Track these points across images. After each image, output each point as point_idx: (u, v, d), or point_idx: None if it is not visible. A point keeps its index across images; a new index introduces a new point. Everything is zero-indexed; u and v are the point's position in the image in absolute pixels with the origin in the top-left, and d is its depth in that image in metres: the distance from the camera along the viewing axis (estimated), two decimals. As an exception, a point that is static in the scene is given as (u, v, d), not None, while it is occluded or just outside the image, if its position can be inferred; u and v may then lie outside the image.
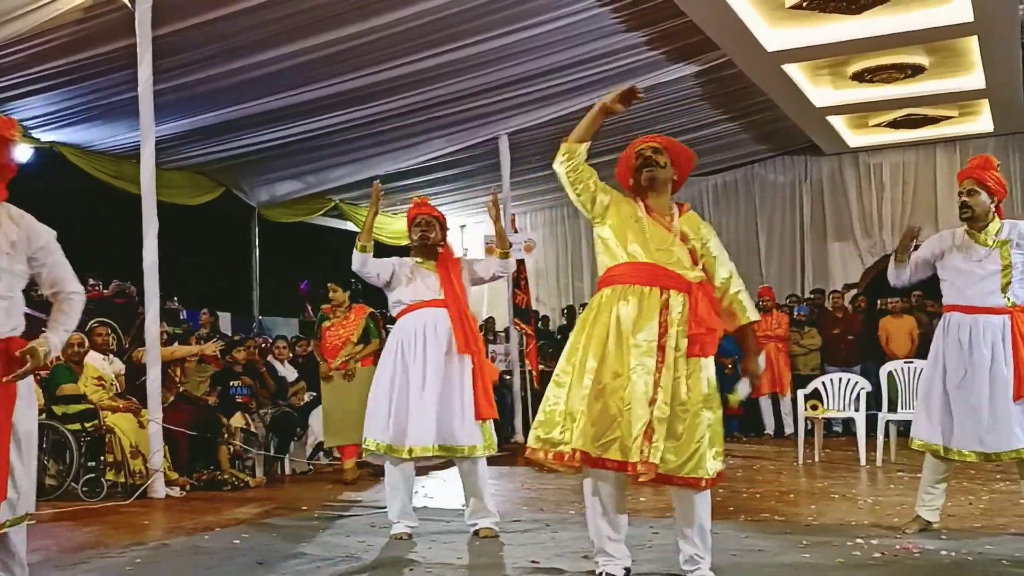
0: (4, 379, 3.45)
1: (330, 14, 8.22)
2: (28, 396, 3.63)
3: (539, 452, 3.99)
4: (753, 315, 4.23)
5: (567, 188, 4.10)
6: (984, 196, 5.21)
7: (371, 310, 8.95)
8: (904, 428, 9.24)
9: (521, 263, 12.22)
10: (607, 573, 4.02)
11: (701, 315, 3.96)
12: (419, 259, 5.70)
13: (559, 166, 4.10)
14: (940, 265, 5.35)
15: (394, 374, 5.46)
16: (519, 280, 12.15)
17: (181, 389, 8.62)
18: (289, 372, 10.18)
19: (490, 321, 14.85)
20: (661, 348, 3.88)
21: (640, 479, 3.82)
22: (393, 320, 5.79)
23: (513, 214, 13.11)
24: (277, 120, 10.40)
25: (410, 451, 5.36)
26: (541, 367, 12.66)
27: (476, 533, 5.46)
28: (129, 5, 7.48)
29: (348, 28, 8.44)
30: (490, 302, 15.99)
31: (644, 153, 4.16)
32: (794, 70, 11.30)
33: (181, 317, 12.54)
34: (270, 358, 10.18)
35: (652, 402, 3.81)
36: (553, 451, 3.93)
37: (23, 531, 3.68)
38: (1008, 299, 5.14)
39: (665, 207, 4.19)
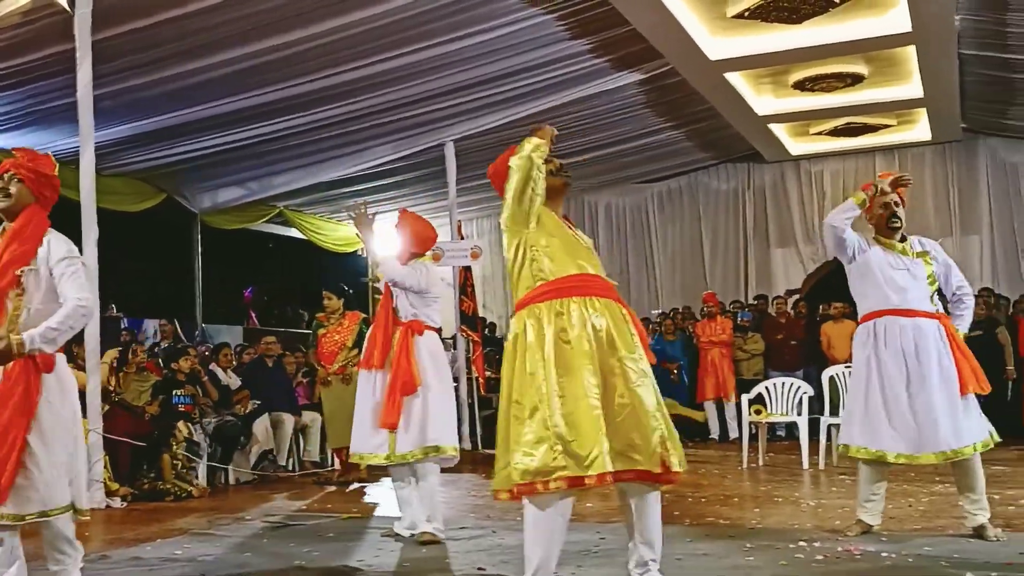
0: None
1: (274, 19, 8.15)
2: (55, 390, 3.90)
3: (534, 485, 3.63)
4: None
5: (519, 187, 3.83)
6: (902, 209, 5.37)
7: (364, 316, 9.29)
8: (845, 432, 9.38)
9: (468, 270, 12.22)
10: None
11: (639, 323, 4.00)
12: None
13: (528, 161, 3.83)
14: (861, 267, 5.36)
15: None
16: (466, 287, 12.15)
17: (116, 398, 8.47)
18: (232, 380, 10.07)
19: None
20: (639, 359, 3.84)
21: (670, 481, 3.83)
22: None
23: (459, 221, 13.10)
24: (220, 126, 10.29)
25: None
26: (488, 374, 12.66)
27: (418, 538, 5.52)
28: (69, 9, 7.36)
29: (292, 34, 8.38)
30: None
31: (556, 159, 4.08)
32: (736, 78, 11.43)
33: (122, 326, 12.35)
34: (213, 366, 10.07)
35: (659, 411, 3.79)
36: (553, 478, 3.60)
37: (64, 521, 3.91)
38: (935, 305, 5.28)
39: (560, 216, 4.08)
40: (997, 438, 5.32)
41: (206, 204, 13.00)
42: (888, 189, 5.33)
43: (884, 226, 5.39)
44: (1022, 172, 14.34)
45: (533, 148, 3.86)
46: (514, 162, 3.86)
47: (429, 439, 5.56)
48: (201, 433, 8.88)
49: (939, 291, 5.45)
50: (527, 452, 3.65)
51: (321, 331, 9.03)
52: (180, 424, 8.54)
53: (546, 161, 3.95)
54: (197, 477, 8.60)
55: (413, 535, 5.58)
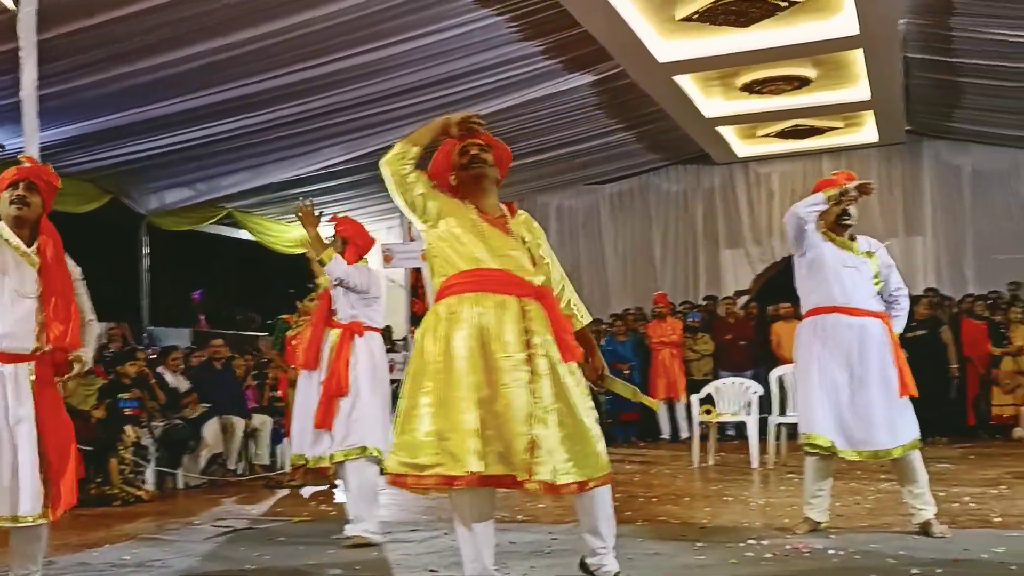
0: (59, 379, 4.16)
1: (223, 19, 8.06)
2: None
3: (406, 478, 3.63)
4: (587, 317, 4.14)
5: (393, 188, 3.90)
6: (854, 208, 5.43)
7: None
8: (794, 431, 9.50)
9: (418, 271, 12.19)
10: None
11: (561, 319, 3.88)
12: None
13: (387, 165, 3.88)
14: (814, 261, 5.39)
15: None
16: (416, 288, 12.12)
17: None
18: (181, 383, 9.95)
19: (388, 330, 14.76)
20: (530, 359, 3.67)
21: (532, 490, 3.66)
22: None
23: (410, 222, 13.04)
24: (167, 126, 10.15)
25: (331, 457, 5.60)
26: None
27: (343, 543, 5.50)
28: (14, 7, 7.22)
29: (242, 33, 8.29)
30: (388, 310, 15.86)
31: (470, 151, 3.99)
32: (686, 81, 11.51)
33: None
34: (160, 369, 9.94)
35: (531, 416, 3.60)
36: (426, 473, 3.58)
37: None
38: (880, 305, 5.37)
39: (496, 209, 3.99)
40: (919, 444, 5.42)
41: (153, 205, 12.82)
42: (855, 194, 5.36)
43: (835, 222, 5.43)
44: (965, 174, 14.60)
45: (395, 152, 3.89)
46: (380, 164, 3.88)
47: (354, 440, 5.56)
48: (149, 437, 8.78)
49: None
50: (405, 445, 3.64)
51: (289, 333, 8.93)
52: (128, 428, 8.43)
53: (462, 153, 3.97)
54: (145, 482, 8.50)
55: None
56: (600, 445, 3.76)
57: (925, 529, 5.22)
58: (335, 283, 5.73)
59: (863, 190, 5.32)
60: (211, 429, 9.39)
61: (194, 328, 14.36)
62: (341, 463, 5.60)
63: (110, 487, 7.91)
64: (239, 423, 9.70)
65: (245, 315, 15.86)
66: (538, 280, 3.88)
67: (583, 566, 3.97)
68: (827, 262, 5.36)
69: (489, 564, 3.79)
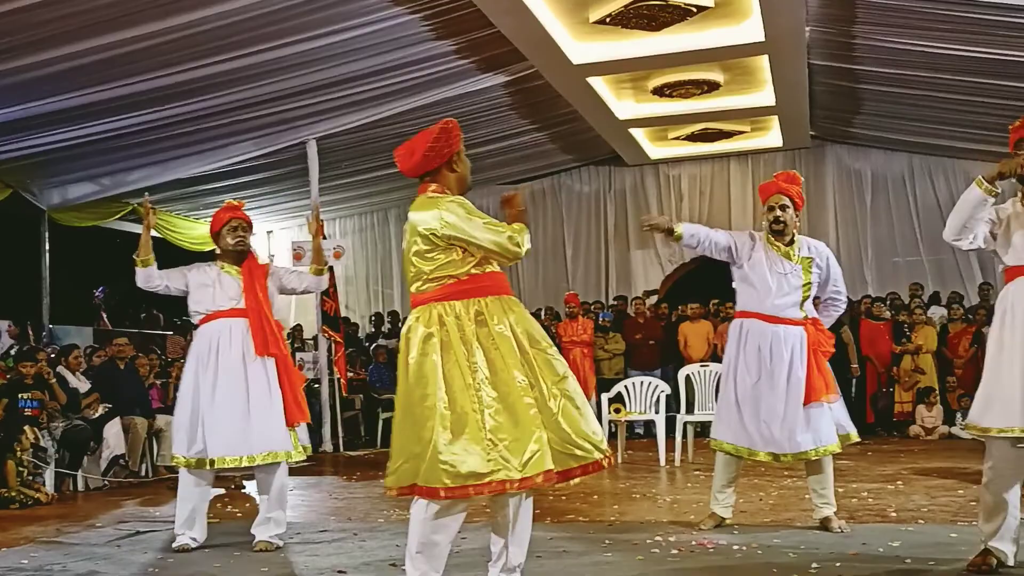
0: None
1: (130, 11, 7.86)
2: None
3: (469, 488, 3.50)
4: None
5: (502, 258, 3.94)
6: (792, 211, 5.50)
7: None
8: (701, 428, 9.68)
9: (330, 270, 12.05)
10: None
11: None
12: (224, 264, 5.59)
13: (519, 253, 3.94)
14: (742, 267, 5.48)
15: (196, 387, 5.39)
16: (328, 287, 11.99)
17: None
18: (82, 383, 9.68)
19: (298, 329, 14.60)
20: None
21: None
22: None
23: (322, 220, 12.91)
24: (71, 119, 9.88)
25: (211, 463, 5.30)
26: (350, 375, 12.55)
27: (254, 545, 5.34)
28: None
29: (149, 26, 8.10)
30: (298, 309, 15.71)
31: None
32: (599, 83, 11.63)
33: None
34: (60, 369, 9.66)
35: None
36: (496, 481, 3.50)
37: None
38: (803, 312, 5.46)
39: None
40: (856, 438, 5.58)
41: (55, 200, 12.48)
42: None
43: (770, 229, 5.52)
44: (866, 178, 15.06)
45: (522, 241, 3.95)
46: (508, 248, 3.89)
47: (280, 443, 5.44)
48: (48, 438, 8.52)
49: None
50: (458, 453, 3.52)
51: None
52: (27, 429, 8.17)
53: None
54: (44, 484, 8.25)
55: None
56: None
57: (825, 525, 5.36)
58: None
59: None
60: (112, 429, 9.16)
61: (96, 327, 13.99)
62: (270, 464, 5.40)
63: (7, 489, 7.67)
64: (142, 424, 9.48)
65: (149, 314, 15.51)
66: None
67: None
68: (758, 269, 5.43)
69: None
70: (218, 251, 5.69)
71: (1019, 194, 4.23)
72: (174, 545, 5.34)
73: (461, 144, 3.98)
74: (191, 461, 5.33)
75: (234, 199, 6.00)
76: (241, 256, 5.60)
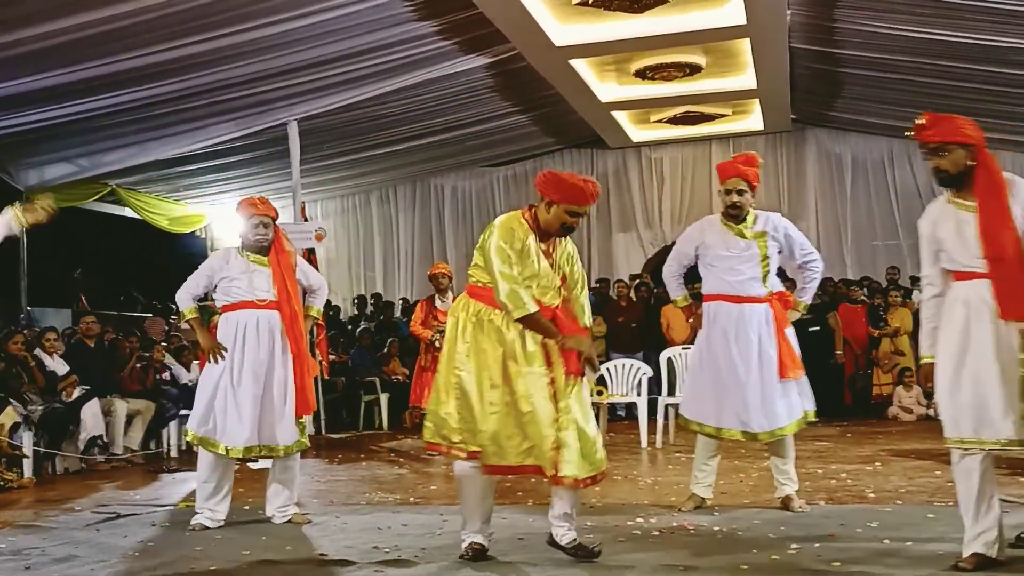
0: None
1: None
2: None
3: (440, 446, 4.35)
4: (589, 320, 4.76)
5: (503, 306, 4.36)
6: (749, 194, 5.52)
7: None
8: (682, 411, 9.71)
9: (312, 252, 12.02)
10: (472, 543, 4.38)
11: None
12: (249, 254, 5.73)
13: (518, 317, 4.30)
14: (701, 254, 5.60)
15: (221, 371, 5.53)
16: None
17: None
18: (59, 366, 9.61)
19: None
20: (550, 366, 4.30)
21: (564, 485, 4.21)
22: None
23: (303, 202, 12.86)
24: (48, 99, 9.77)
25: (226, 451, 5.47)
26: (332, 357, 12.52)
27: (289, 522, 5.55)
28: None
29: (127, 4, 8.01)
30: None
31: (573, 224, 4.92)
32: (581, 65, 11.59)
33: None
34: (38, 351, 9.58)
35: (555, 422, 4.19)
36: (456, 447, 4.29)
37: None
38: (768, 288, 5.49)
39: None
40: (812, 417, 5.60)
41: (32, 181, 12.34)
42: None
43: (725, 212, 5.56)
44: (845, 162, 15.15)
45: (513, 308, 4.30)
46: (500, 299, 4.31)
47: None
48: (28, 421, 8.46)
49: (780, 269, 5.68)
50: (432, 419, 4.35)
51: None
52: (9, 410, 8.12)
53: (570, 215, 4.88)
54: (23, 467, 8.20)
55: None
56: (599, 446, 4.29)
57: (786, 504, 5.44)
58: None
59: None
60: (90, 411, 9.09)
61: (75, 308, 13.90)
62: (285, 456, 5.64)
63: (-15, 473, 7.62)
64: (122, 406, 9.43)
65: (130, 296, 15.43)
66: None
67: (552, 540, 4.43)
68: (714, 254, 5.52)
69: (479, 527, 4.43)
70: (241, 238, 5.82)
71: (946, 193, 4.11)
72: (192, 523, 5.46)
73: (572, 205, 4.88)
74: (204, 440, 5.47)
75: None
76: (264, 250, 5.72)
